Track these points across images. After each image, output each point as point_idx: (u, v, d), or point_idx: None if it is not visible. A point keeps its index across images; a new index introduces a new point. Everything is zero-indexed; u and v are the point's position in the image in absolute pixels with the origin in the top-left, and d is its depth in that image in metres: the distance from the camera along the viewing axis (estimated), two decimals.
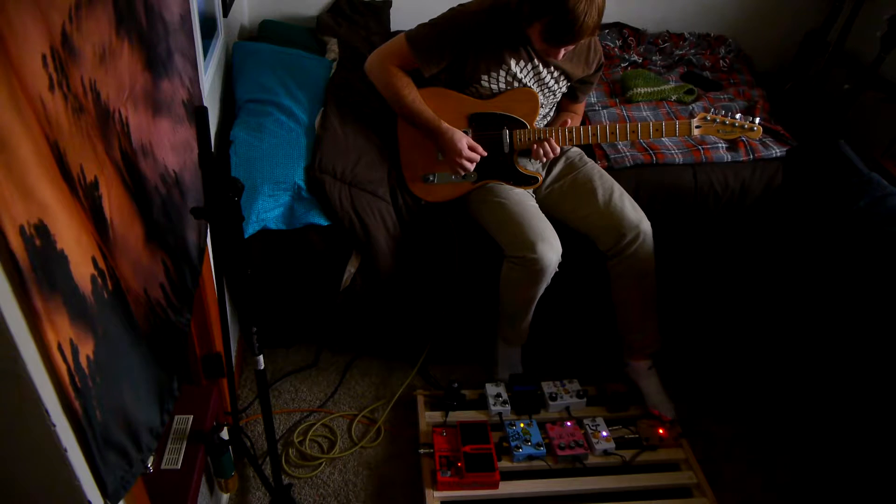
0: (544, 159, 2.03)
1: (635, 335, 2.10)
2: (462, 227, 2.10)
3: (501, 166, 2.07)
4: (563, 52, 1.86)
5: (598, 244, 2.03)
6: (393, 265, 2.07)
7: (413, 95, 1.98)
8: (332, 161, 1.99)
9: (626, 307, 2.07)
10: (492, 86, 1.99)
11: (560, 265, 1.95)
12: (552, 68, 2.01)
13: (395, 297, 2.15)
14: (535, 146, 1.99)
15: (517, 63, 1.96)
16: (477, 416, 2.03)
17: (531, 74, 2.00)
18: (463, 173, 2.03)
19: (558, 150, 2.01)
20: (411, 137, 2.07)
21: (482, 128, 2.03)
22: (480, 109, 2.02)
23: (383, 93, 2.03)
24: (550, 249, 1.90)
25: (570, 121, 2.05)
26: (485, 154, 2.02)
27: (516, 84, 2.00)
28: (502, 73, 1.97)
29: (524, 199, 2.04)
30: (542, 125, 2.11)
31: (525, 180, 2.09)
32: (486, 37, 1.92)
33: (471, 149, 1.99)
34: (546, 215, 2.02)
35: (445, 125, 1.98)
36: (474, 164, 2.02)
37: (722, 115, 2.01)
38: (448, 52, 1.94)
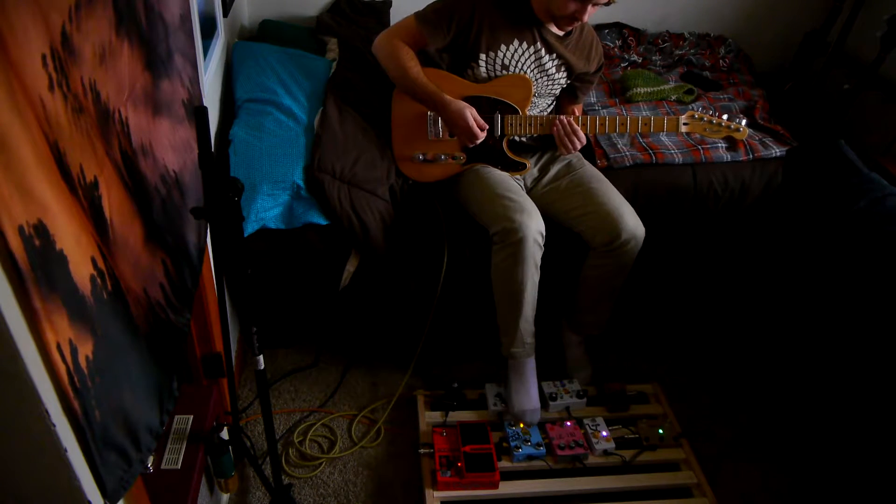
0: (575, 149, 2.03)
1: (587, 315, 2.17)
2: (462, 227, 2.10)
3: (491, 150, 2.08)
4: (588, 11, 1.86)
5: (590, 242, 2.03)
6: (392, 264, 2.07)
7: (417, 69, 2.00)
8: (332, 160, 1.99)
9: (590, 291, 2.11)
10: (487, 67, 2.01)
11: (558, 266, 1.95)
12: (555, 55, 2.03)
13: (395, 297, 2.15)
14: (558, 140, 2.01)
15: (520, 44, 1.99)
16: (477, 416, 2.03)
17: (532, 58, 2.01)
18: (471, 144, 2.04)
19: (582, 136, 2.01)
20: (403, 116, 2.09)
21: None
22: (474, 93, 2.04)
23: (388, 67, 2.03)
24: (529, 219, 1.89)
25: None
26: (486, 127, 2.02)
27: (512, 70, 2.02)
28: (500, 53, 1.99)
29: (508, 179, 2.06)
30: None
31: (513, 165, 2.10)
32: (493, 13, 1.95)
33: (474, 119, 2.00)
34: (542, 214, 2.01)
35: (448, 97, 1.99)
36: (484, 132, 2.01)
37: (710, 115, 2.05)
38: (455, 24, 1.96)
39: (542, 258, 1.94)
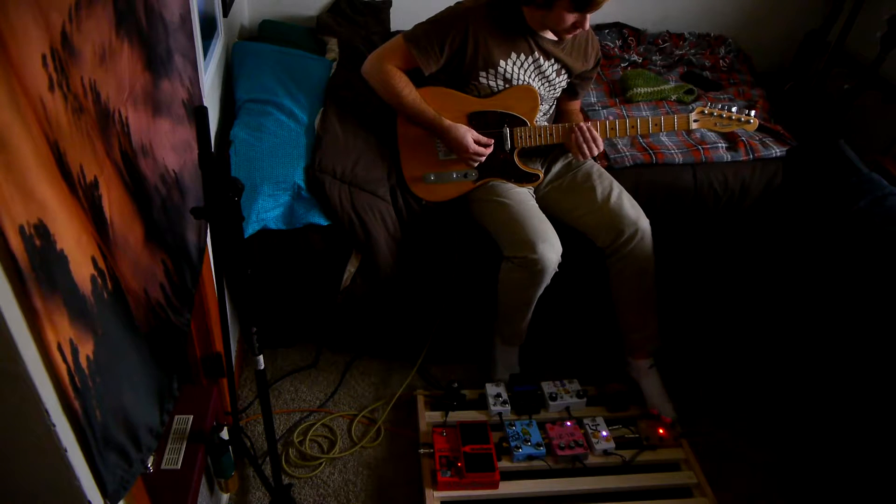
0: (591, 155, 1.99)
1: (635, 333, 2.10)
2: (462, 227, 2.10)
3: (503, 164, 2.07)
4: (588, 20, 1.85)
5: (596, 242, 2.03)
6: (393, 265, 2.07)
7: (413, 94, 1.98)
8: (332, 161, 1.99)
9: (625, 305, 2.08)
10: (490, 83, 1.99)
11: (560, 265, 1.95)
12: (553, 60, 2.02)
13: (395, 297, 2.15)
14: (576, 146, 1.97)
15: (518, 56, 1.97)
16: (477, 416, 2.03)
17: (532, 68, 2.00)
18: (475, 164, 2.04)
19: (601, 142, 1.98)
20: (411, 137, 2.07)
21: (482, 126, 2.03)
22: (480, 108, 2.02)
23: (382, 94, 2.02)
24: (551, 250, 1.90)
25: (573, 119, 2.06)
26: (491, 143, 2.02)
27: (515, 82, 2.00)
28: (500, 69, 1.97)
29: (525, 199, 2.04)
30: (542, 122, 2.12)
31: (526, 177, 2.09)
32: (485, 30, 1.93)
33: (476, 141, 2.00)
34: (545, 214, 2.02)
35: (448, 122, 1.98)
36: (487, 153, 2.01)
37: (719, 109, 2.04)
38: (448, 47, 1.93)
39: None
